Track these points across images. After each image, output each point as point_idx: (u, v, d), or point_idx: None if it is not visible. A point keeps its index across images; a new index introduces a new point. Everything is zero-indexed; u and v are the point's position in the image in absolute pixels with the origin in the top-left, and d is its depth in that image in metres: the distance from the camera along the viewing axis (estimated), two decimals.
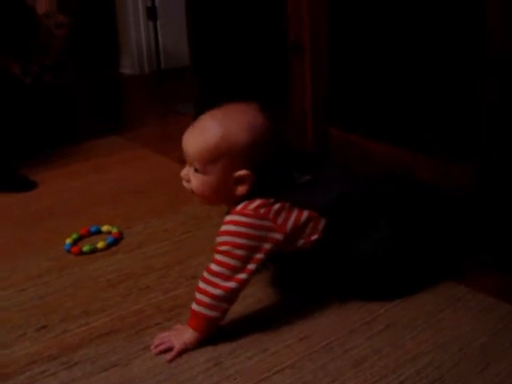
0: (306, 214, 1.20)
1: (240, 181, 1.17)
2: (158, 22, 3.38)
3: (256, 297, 1.32)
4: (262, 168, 1.17)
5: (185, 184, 1.22)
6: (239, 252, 1.14)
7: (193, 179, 1.19)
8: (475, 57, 1.23)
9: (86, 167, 2.17)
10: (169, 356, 1.13)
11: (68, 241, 1.58)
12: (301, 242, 1.20)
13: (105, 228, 1.65)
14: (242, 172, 1.15)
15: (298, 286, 1.35)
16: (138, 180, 2.02)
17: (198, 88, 2.10)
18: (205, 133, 1.16)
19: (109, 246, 1.57)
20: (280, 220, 1.17)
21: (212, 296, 1.13)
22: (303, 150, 1.63)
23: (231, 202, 1.20)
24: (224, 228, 1.16)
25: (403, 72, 1.43)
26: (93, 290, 1.39)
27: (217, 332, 1.18)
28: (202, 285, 1.15)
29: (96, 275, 1.45)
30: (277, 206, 1.17)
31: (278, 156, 1.19)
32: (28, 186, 2.01)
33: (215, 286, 1.13)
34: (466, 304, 1.26)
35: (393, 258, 1.25)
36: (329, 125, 1.58)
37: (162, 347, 1.15)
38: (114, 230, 1.63)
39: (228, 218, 1.17)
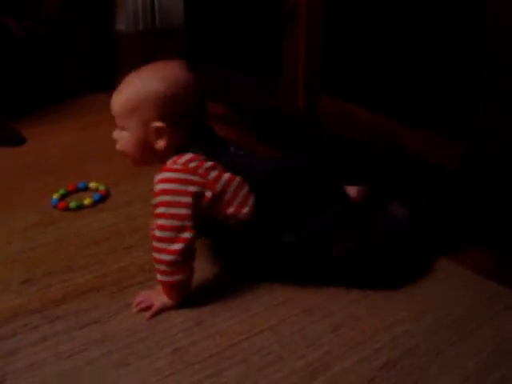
0: (238, 179, 1.17)
1: (158, 134, 1.16)
2: None
3: (239, 262, 1.33)
4: (184, 123, 1.16)
5: (117, 146, 1.21)
6: (175, 211, 1.11)
7: (120, 139, 1.20)
8: (472, 44, 1.23)
9: (77, 124, 2.16)
10: (148, 314, 1.15)
11: (55, 196, 1.59)
12: (231, 209, 1.17)
13: (92, 185, 1.66)
14: (158, 124, 1.14)
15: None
16: None
17: (190, 44, 2.08)
18: (123, 88, 1.18)
19: (95, 203, 1.58)
20: (211, 176, 1.15)
21: (166, 262, 1.12)
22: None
23: (160, 159, 1.19)
24: (156, 188, 1.14)
25: (400, 45, 1.42)
26: (77, 247, 1.40)
27: (198, 292, 1.20)
28: (154, 254, 1.14)
29: (81, 232, 1.46)
30: (209, 163, 1.15)
31: (201, 113, 1.19)
32: (18, 140, 2.00)
33: (164, 251, 1.11)
34: (446, 276, 1.28)
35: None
36: (321, 92, 1.57)
37: (142, 305, 1.16)
38: (102, 188, 1.63)
39: (158, 176, 1.15)
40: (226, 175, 1.17)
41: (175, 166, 1.14)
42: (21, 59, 2.19)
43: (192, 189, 1.13)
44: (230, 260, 1.33)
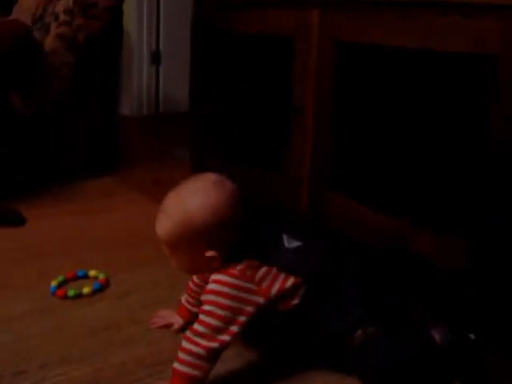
0: (291, 280, 1.20)
1: (211, 260, 1.18)
2: (161, 67, 3.41)
3: (244, 357, 1.30)
4: (231, 240, 1.18)
5: (172, 264, 1.24)
6: (222, 313, 1.13)
7: (171, 260, 1.23)
8: (477, 148, 1.25)
9: (79, 208, 2.16)
10: None
11: (54, 283, 1.56)
12: (280, 305, 1.20)
13: (92, 273, 1.64)
14: (210, 253, 1.17)
15: (287, 353, 1.32)
16: (129, 226, 2.01)
17: (194, 132, 2.11)
18: (166, 219, 1.18)
19: (95, 292, 1.55)
20: (265, 284, 1.18)
21: (194, 355, 1.12)
22: (298, 213, 1.63)
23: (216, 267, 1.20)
24: (209, 287, 1.16)
25: (407, 146, 1.44)
26: (74, 337, 1.36)
27: None
28: (184, 344, 1.14)
29: (79, 322, 1.43)
30: (263, 269, 1.19)
31: (249, 220, 1.21)
32: (18, 221, 1.99)
33: (197, 345, 1.12)
34: None
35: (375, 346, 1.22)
36: (327, 190, 1.58)
37: None
38: (101, 276, 1.61)
39: (214, 276, 1.17)
40: (280, 279, 1.20)
41: (233, 271, 1.16)
42: (23, 137, 2.20)
43: (254, 299, 1.16)
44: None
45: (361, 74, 1.51)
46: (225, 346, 1.13)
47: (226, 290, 1.14)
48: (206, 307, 1.14)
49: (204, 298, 1.16)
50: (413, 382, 1.22)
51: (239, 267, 1.17)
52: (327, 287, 1.23)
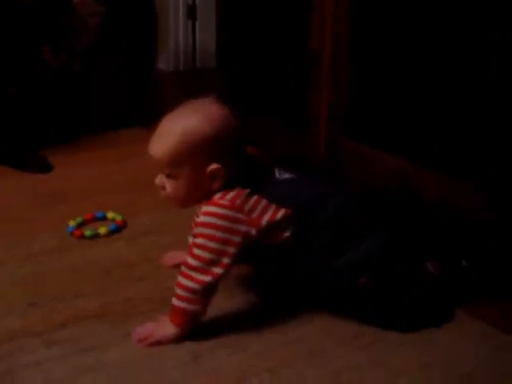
0: (282, 211, 1.17)
1: (213, 176, 1.15)
2: (197, 22, 3.39)
3: (245, 296, 1.31)
4: (232, 159, 1.16)
5: (162, 194, 1.21)
6: (213, 245, 1.12)
7: (167, 186, 1.18)
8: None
9: (104, 156, 2.18)
10: (146, 342, 1.13)
11: (72, 224, 1.59)
12: (272, 238, 1.18)
13: (110, 215, 1.66)
14: (214, 166, 1.14)
15: (290, 289, 1.32)
16: (153, 173, 2.01)
17: (221, 83, 2.10)
18: (166, 137, 1.15)
19: (111, 233, 1.58)
20: (255, 214, 1.15)
21: (189, 290, 1.12)
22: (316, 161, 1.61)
23: (210, 196, 1.18)
24: (200, 219, 1.14)
25: (423, 89, 1.40)
26: (87, 274, 1.39)
27: (200, 327, 1.17)
28: (180, 279, 1.14)
29: (93, 260, 1.45)
30: (253, 199, 1.16)
31: (243, 146, 1.18)
32: (45, 167, 2.02)
33: (192, 279, 1.12)
34: (460, 328, 1.23)
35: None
36: (342, 136, 1.56)
37: (141, 336, 1.14)
38: (118, 218, 1.63)
39: (204, 208, 1.15)
40: (271, 210, 1.17)
41: (223, 202, 1.14)
42: (54, 89, 2.23)
43: (242, 228, 1.14)
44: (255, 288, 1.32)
45: (377, 21, 1.47)
46: (218, 278, 1.13)
47: (216, 221, 1.12)
48: (198, 240, 1.13)
49: (195, 231, 1.15)
50: (424, 317, 1.21)
51: (229, 196, 1.14)
52: (320, 221, 1.18)
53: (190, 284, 1.12)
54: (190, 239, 1.38)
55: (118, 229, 1.60)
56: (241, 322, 1.22)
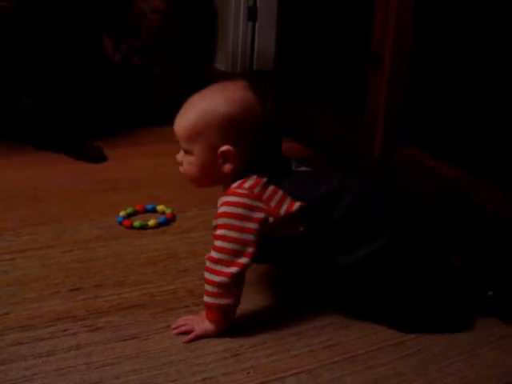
0: (297, 203, 1.15)
1: (225, 158, 1.13)
2: (257, 23, 3.40)
3: (290, 295, 1.30)
4: (250, 146, 1.14)
5: (180, 169, 1.20)
6: (233, 234, 1.11)
7: (183, 162, 1.18)
8: None
9: (159, 149, 2.19)
10: (185, 338, 1.13)
11: (122, 213, 1.61)
12: (286, 230, 1.17)
13: (160, 207, 1.67)
14: (225, 147, 1.12)
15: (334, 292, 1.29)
16: None
17: (279, 87, 2.10)
18: (187, 112, 1.15)
19: (159, 225, 1.58)
20: (273, 204, 1.13)
21: (217, 284, 1.11)
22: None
23: (223, 181, 1.17)
24: (220, 210, 1.13)
25: (483, 97, 1.37)
26: (132, 264, 1.40)
27: (242, 323, 1.17)
28: (206, 274, 1.13)
29: (139, 250, 1.46)
30: (271, 188, 1.14)
31: (267, 135, 1.16)
32: (99, 158, 2.05)
33: (218, 273, 1.11)
34: (506, 344, 1.19)
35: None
36: (398, 140, 1.53)
37: (182, 328, 1.14)
38: (168, 211, 1.64)
39: (223, 198, 1.14)
40: (287, 201, 1.14)
41: (240, 191, 1.13)
42: (113, 81, 2.26)
43: (259, 215, 1.12)
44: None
45: (441, 22, 1.44)
46: (244, 268, 1.11)
47: (234, 210, 1.11)
48: (219, 231, 1.12)
49: (216, 222, 1.13)
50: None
51: (247, 184, 1.13)
52: (335, 215, 1.15)
53: (217, 278, 1.11)
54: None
55: (167, 222, 1.60)
56: (282, 322, 1.20)
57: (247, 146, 1.13)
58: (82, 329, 1.15)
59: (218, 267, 1.11)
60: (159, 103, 2.47)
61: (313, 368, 1.09)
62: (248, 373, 1.06)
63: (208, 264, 1.12)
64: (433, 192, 1.44)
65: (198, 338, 1.13)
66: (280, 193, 1.15)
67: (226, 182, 1.17)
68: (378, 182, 1.27)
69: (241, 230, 1.11)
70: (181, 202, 1.73)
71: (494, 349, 1.17)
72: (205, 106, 1.12)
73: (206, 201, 1.73)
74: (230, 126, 1.11)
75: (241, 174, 1.15)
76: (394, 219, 1.18)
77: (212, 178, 1.18)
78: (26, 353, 1.07)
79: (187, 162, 1.17)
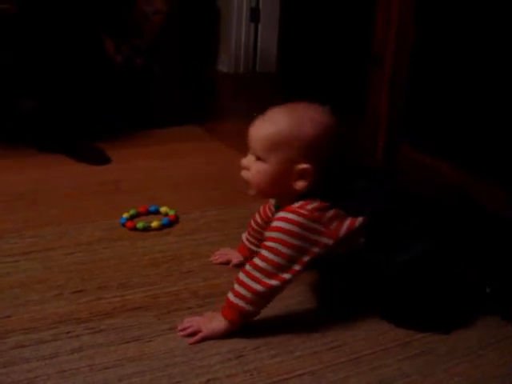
0: (360, 220, 1.15)
1: (301, 175, 1.14)
2: (260, 24, 3.40)
3: (296, 299, 1.28)
4: (323, 166, 1.15)
5: (243, 173, 1.20)
6: (287, 251, 1.11)
7: (253, 167, 1.17)
8: None
9: (162, 151, 2.20)
10: (192, 339, 1.12)
11: (125, 215, 1.60)
12: (347, 246, 1.16)
13: (163, 209, 1.66)
14: (305, 165, 1.13)
15: (341, 293, 1.31)
16: (207, 170, 2.02)
17: (281, 88, 2.09)
18: (272, 122, 1.16)
19: (163, 227, 1.58)
20: (333, 226, 1.14)
21: (252, 290, 1.11)
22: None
23: (286, 197, 1.17)
24: (276, 224, 1.13)
25: (484, 98, 1.36)
26: (136, 266, 1.39)
27: (246, 325, 1.16)
28: (242, 277, 1.12)
29: (143, 252, 1.46)
30: (331, 211, 1.14)
31: (338, 157, 1.17)
32: (103, 159, 2.05)
33: (257, 280, 1.11)
34: (510, 345, 1.18)
35: (428, 280, 1.18)
36: (400, 141, 1.52)
37: (188, 330, 1.14)
38: (171, 213, 1.64)
39: (281, 214, 1.14)
40: (347, 221, 1.15)
41: (302, 211, 1.13)
42: (114, 83, 2.25)
43: (323, 240, 1.13)
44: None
45: (442, 22, 1.44)
46: (285, 284, 1.12)
47: (293, 228, 1.11)
48: (271, 243, 1.12)
49: (269, 234, 1.13)
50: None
51: (309, 207, 1.13)
52: (392, 224, 1.17)
53: (255, 286, 1.11)
54: (244, 236, 1.40)
55: (171, 223, 1.60)
56: (286, 324, 1.20)
57: (322, 167, 1.15)
58: (84, 331, 1.14)
59: (259, 275, 1.11)
60: (161, 105, 2.47)
61: (317, 369, 1.08)
62: (251, 374, 1.05)
63: (248, 269, 1.12)
64: (433, 192, 1.43)
65: (205, 339, 1.12)
66: (341, 214, 1.15)
67: (288, 198, 1.17)
68: (378, 182, 1.27)
69: (297, 248, 1.11)
70: (184, 203, 1.72)
71: (498, 349, 1.17)
72: (292, 121, 1.14)
73: (208, 203, 1.74)
74: (313, 147, 1.13)
75: (306, 194, 1.15)
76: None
77: (278, 190, 1.19)
78: (29, 355, 1.07)
79: (257, 170, 1.17)
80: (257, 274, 1.11)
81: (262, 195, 1.23)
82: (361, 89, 1.66)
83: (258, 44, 3.50)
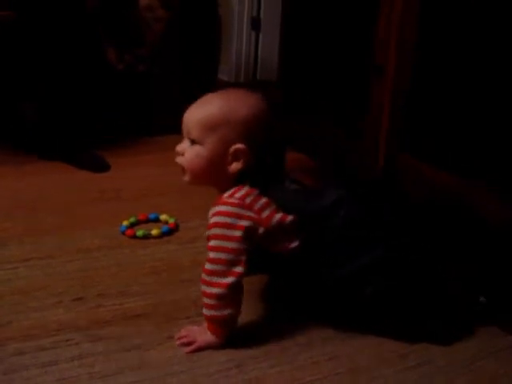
0: (290, 217, 1.15)
1: (236, 156, 1.14)
2: (261, 33, 3.41)
3: (296, 308, 1.28)
4: (257, 149, 1.15)
5: (178, 159, 1.19)
6: (227, 244, 1.11)
7: (188, 152, 1.17)
8: None
9: (162, 158, 2.18)
10: (187, 349, 1.12)
11: (125, 223, 1.60)
12: (280, 245, 1.16)
13: (163, 217, 1.67)
14: (240, 145, 1.13)
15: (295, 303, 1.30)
16: None
17: (282, 97, 2.10)
18: (207, 104, 1.17)
19: (163, 235, 1.58)
20: (265, 214, 1.14)
21: (214, 296, 1.10)
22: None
23: (221, 183, 1.17)
24: (212, 220, 1.13)
25: (486, 108, 1.37)
26: (136, 273, 1.40)
27: (246, 334, 1.16)
28: (203, 287, 1.12)
29: (143, 260, 1.46)
30: (263, 200, 1.14)
31: (270, 144, 1.18)
32: (103, 167, 2.05)
33: (214, 285, 1.10)
34: (508, 355, 1.18)
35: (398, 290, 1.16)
36: (400, 151, 1.53)
37: (184, 340, 1.14)
38: (171, 221, 1.64)
39: (215, 209, 1.14)
40: (278, 215, 1.15)
41: (231, 200, 1.13)
42: (117, 90, 2.26)
43: (243, 223, 1.12)
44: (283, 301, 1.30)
45: (445, 28, 1.45)
46: (241, 276, 1.11)
47: (227, 220, 1.11)
48: (211, 242, 1.12)
49: (208, 233, 1.13)
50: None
51: (238, 194, 1.13)
52: (331, 233, 1.16)
53: (214, 290, 1.10)
54: None
55: (171, 231, 1.60)
56: (285, 333, 1.20)
57: (256, 149, 1.15)
58: (84, 339, 1.14)
59: (214, 279, 1.10)
60: (161, 113, 2.48)
61: (315, 379, 1.08)
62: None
63: (204, 276, 1.12)
64: (433, 201, 1.43)
65: (200, 349, 1.12)
66: (273, 205, 1.15)
67: (221, 185, 1.17)
68: (375, 194, 1.27)
69: (229, 239, 1.11)
70: (184, 211, 1.72)
71: (497, 359, 1.17)
72: (226, 103, 1.15)
73: (208, 211, 1.73)
74: (247, 127, 1.14)
75: (239, 178, 1.16)
76: (389, 231, 1.18)
77: (214, 175, 1.18)
78: (29, 362, 1.07)
79: (194, 153, 1.16)
80: (212, 279, 1.10)
81: (196, 181, 1.21)
82: (363, 97, 1.67)
83: (259, 52, 3.51)
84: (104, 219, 1.66)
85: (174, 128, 2.42)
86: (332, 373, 1.10)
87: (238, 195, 1.13)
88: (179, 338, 1.15)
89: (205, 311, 1.13)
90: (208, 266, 1.11)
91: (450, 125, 1.45)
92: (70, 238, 1.54)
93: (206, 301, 1.12)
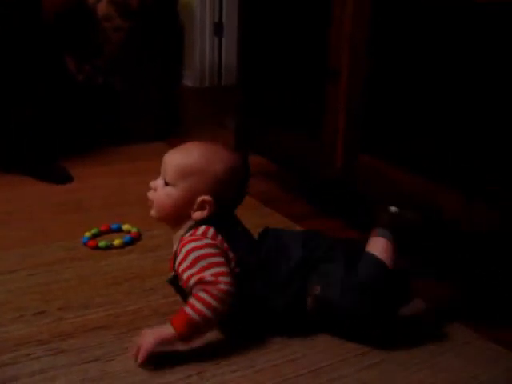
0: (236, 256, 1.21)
1: (202, 206, 1.21)
2: (224, 39, 3.42)
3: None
4: (222, 203, 1.22)
5: (149, 194, 1.27)
6: (212, 260, 1.15)
7: (160, 190, 1.24)
8: None
9: (125, 168, 2.20)
10: (138, 360, 1.11)
11: (87, 234, 1.60)
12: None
13: (125, 227, 1.67)
14: (207, 197, 1.20)
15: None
16: None
17: (240, 101, 2.11)
18: (188, 153, 1.24)
19: (125, 245, 1.58)
20: (225, 246, 1.20)
21: (223, 291, 1.13)
22: None
23: (181, 224, 1.24)
24: (182, 251, 1.17)
25: (441, 105, 1.39)
26: (98, 285, 1.40)
27: (205, 343, 1.17)
28: (202, 295, 1.13)
29: (105, 271, 1.46)
30: (219, 237, 1.20)
31: (234, 202, 1.27)
32: (65, 178, 2.05)
33: (220, 282, 1.13)
34: (471, 350, 1.21)
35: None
36: (360, 152, 1.55)
37: (133, 351, 1.12)
38: (134, 230, 1.64)
39: (184, 249, 1.17)
40: (230, 253, 1.20)
41: (197, 236, 1.19)
42: (76, 102, 2.26)
43: (213, 242, 1.18)
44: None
45: (396, 31, 1.47)
46: (232, 286, 1.14)
47: (204, 251, 1.16)
48: (191, 281, 1.14)
49: (185, 275, 1.15)
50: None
51: (199, 232, 1.19)
52: (261, 269, 1.22)
53: (222, 286, 1.13)
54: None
55: (133, 241, 1.60)
56: (245, 340, 1.21)
57: (222, 202, 1.22)
58: (45, 353, 1.14)
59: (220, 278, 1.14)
60: (125, 122, 2.48)
61: (277, 382, 1.09)
62: None
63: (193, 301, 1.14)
64: (394, 202, 1.45)
65: (152, 351, 1.10)
66: (225, 244, 1.20)
67: (181, 225, 1.24)
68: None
69: (214, 255, 1.16)
70: (147, 220, 1.69)
71: (457, 355, 1.19)
72: (204, 155, 1.23)
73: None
74: (218, 182, 1.21)
75: (199, 222, 1.22)
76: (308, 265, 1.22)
77: (176, 216, 1.24)
78: None
79: (165, 193, 1.24)
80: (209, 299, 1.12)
81: (161, 217, 1.28)
82: (320, 100, 1.69)
83: (223, 57, 3.53)
84: (66, 231, 1.65)
85: (138, 137, 2.45)
86: (293, 375, 1.11)
87: (199, 232, 1.19)
88: (133, 348, 1.14)
89: (189, 312, 1.11)
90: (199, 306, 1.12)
91: (413, 126, 1.47)
92: (32, 251, 1.54)
93: (199, 306, 1.11)
